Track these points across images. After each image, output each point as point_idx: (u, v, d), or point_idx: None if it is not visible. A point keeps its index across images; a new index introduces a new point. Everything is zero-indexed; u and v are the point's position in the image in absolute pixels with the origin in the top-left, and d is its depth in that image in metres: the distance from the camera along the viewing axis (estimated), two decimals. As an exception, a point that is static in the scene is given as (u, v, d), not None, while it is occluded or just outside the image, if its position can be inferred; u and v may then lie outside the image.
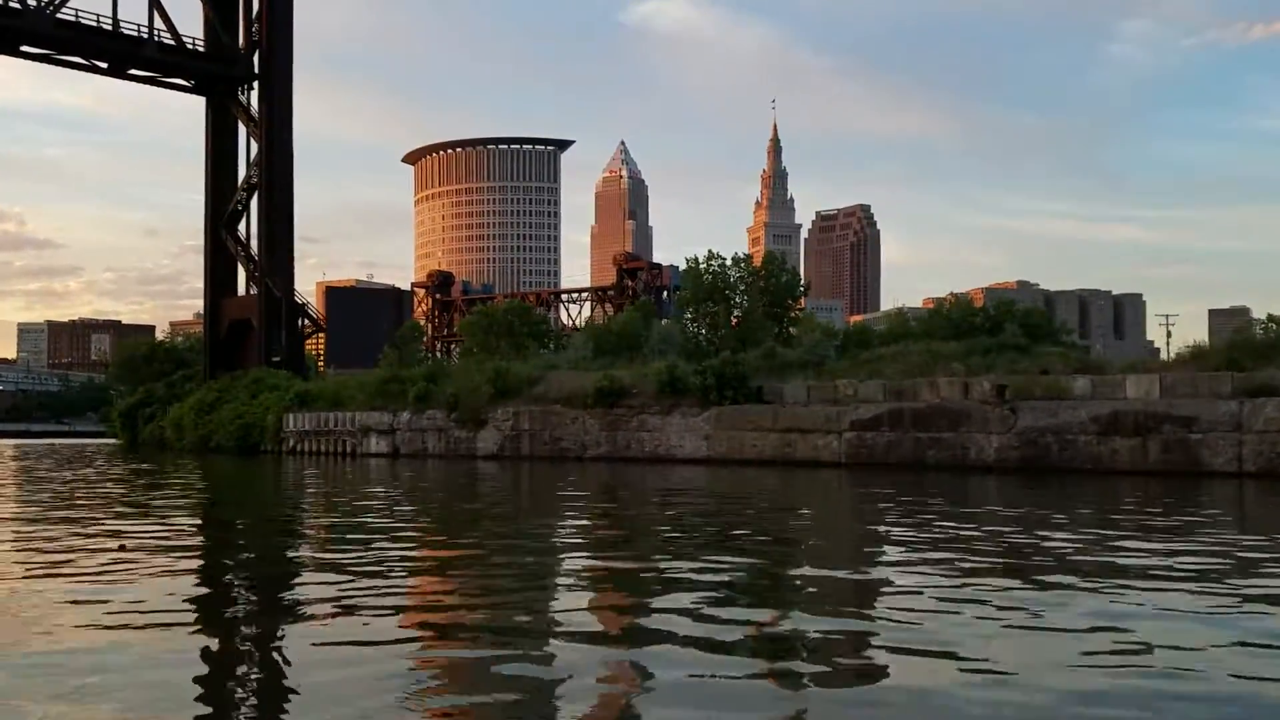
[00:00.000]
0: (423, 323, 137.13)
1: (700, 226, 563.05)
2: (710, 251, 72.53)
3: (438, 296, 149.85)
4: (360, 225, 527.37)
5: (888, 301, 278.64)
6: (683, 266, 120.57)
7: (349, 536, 13.14)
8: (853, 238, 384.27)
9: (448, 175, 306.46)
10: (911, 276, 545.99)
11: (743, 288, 70.96)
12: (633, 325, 62.62)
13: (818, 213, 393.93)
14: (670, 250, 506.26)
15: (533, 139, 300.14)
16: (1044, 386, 28.84)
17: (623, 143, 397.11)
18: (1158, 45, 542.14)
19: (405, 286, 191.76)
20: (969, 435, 29.02)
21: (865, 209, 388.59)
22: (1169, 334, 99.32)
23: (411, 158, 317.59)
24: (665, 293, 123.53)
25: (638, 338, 59.46)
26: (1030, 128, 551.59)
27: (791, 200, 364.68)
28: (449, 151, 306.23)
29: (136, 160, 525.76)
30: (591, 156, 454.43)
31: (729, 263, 73.72)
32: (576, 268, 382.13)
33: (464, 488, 23.60)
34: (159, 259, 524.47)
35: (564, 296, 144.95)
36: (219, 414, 55.27)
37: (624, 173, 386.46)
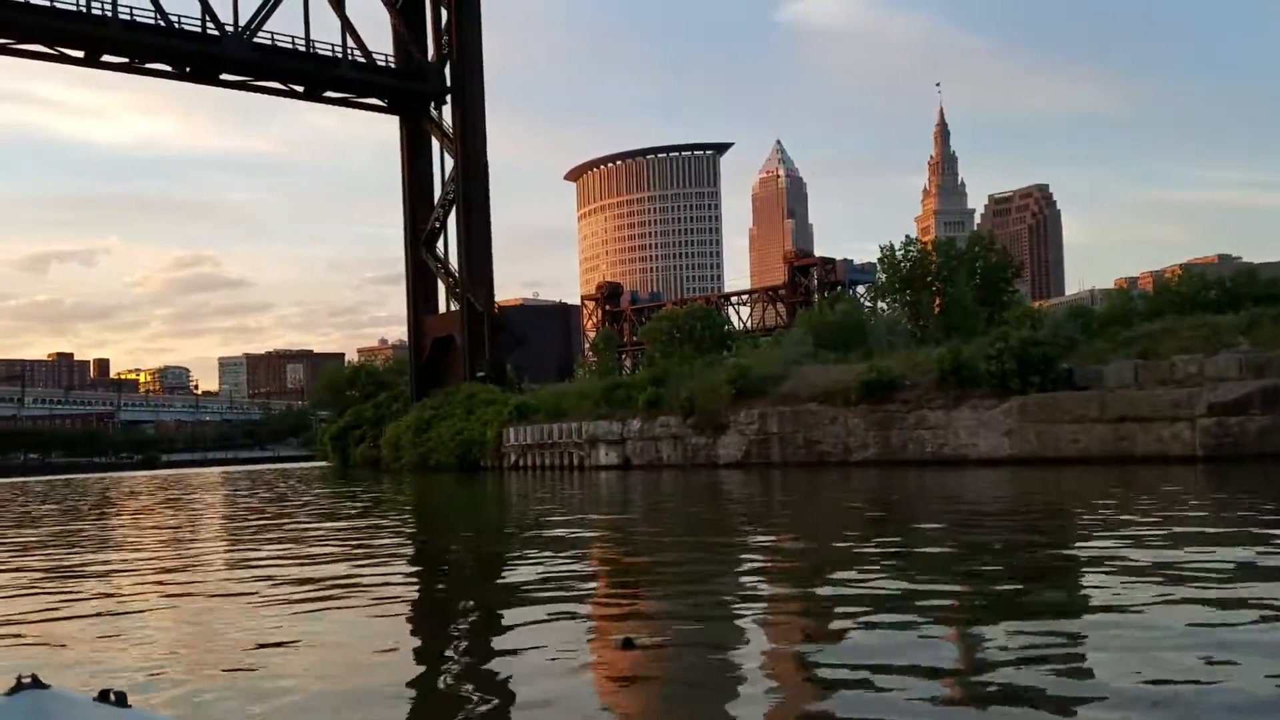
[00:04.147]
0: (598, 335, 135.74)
1: (862, 220, 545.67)
2: (907, 236, 68.82)
3: (607, 308, 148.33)
4: (520, 245, 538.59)
5: (1073, 284, 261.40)
6: (857, 261, 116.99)
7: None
8: (1030, 219, 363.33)
9: (609, 189, 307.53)
10: (1095, 256, 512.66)
11: (946, 273, 65.92)
12: (854, 315, 57.89)
13: (991, 196, 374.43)
14: (832, 247, 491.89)
15: (691, 145, 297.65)
16: None
17: (779, 142, 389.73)
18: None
19: (571, 301, 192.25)
20: (1386, 414, 23.08)
21: (1043, 189, 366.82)
22: None
23: (573, 175, 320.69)
24: (840, 287, 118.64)
25: (861, 328, 54.93)
26: (1206, 95, 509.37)
27: (963, 185, 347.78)
28: (610, 165, 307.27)
29: (315, 199, 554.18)
30: (745, 159, 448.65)
31: (929, 247, 69.53)
32: (734, 271, 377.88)
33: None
34: (342, 291, 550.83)
35: (733, 299, 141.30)
36: (436, 431, 53.86)
37: (781, 172, 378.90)
